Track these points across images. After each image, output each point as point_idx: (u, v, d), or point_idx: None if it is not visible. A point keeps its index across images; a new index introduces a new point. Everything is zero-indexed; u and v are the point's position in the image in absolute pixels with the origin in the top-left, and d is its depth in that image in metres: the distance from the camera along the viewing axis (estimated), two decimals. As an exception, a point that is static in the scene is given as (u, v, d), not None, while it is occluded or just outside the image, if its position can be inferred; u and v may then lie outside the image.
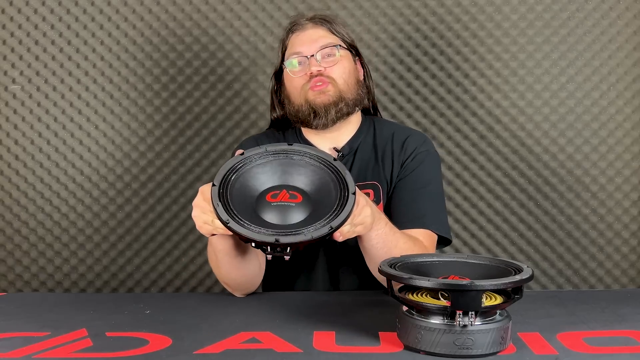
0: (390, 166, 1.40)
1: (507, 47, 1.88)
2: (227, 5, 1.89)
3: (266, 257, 1.08)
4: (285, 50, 1.42)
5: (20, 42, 1.90)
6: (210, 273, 1.94)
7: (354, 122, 1.44)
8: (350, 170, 1.39)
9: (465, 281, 0.89)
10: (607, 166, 1.90)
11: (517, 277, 0.92)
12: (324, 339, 1.00)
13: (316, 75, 1.35)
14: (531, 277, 0.93)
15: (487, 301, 0.93)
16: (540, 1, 1.86)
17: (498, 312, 0.95)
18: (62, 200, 1.93)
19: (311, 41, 1.37)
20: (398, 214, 1.35)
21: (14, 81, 1.91)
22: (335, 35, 1.40)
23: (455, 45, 1.88)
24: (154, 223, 1.94)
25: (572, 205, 1.91)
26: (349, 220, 1.03)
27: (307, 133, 1.45)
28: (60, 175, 1.93)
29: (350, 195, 1.02)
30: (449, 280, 0.93)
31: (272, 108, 1.49)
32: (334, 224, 0.99)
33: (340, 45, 1.38)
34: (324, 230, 0.98)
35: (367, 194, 1.37)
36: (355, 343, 0.99)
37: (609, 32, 1.86)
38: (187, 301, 1.33)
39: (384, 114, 1.85)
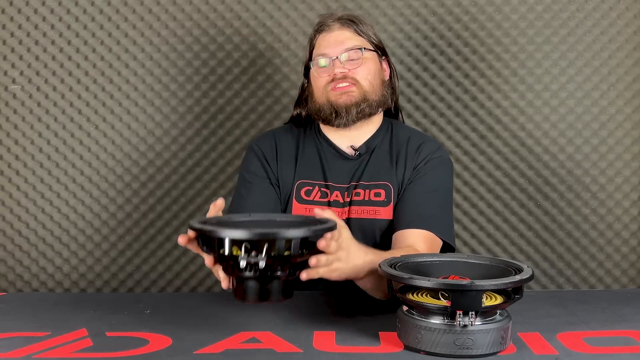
0: (403, 168, 1.42)
1: (507, 47, 1.88)
2: (227, 6, 1.89)
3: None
4: (313, 49, 1.46)
5: (20, 42, 1.90)
6: (210, 273, 1.94)
7: (374, 122, 1.47)
8: (365, 169, 1.43)
9: (465, 281, 0.90)
10: (607, 166, 1.89)
11: (517, 277, 0.92)
12: (324, 339, 1.01)
13: (340, 78, 1.38)
14: (531, 277, 0.93)
15: (488, 301, 0.93)
16: (540, 1, 1.86)
17: (498, 312, 0.95)
18: (62, 200, 1.93)
19: (337, 43, 1.40)
20: (404, 214, 1.36)
21: (14, 81, 1.91)
22: (361, 36, 1.43)
23: (455, 45, 1.88)
24: (154, 223, 1.94)
25: (572, 205, 1.91)
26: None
27: (326, 130, 1.48)
28: (60, 176, 1.93)
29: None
30: (449, 280, 0.93)
31: (297, 103, 1.53)
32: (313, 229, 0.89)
33: (365, 48, 1.41)
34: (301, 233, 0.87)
35: (379, 194, 1.39)
36: (355, 343, 0.99)
37: (609, 32, 1.86)
38: (187, 301, 1.33)
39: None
